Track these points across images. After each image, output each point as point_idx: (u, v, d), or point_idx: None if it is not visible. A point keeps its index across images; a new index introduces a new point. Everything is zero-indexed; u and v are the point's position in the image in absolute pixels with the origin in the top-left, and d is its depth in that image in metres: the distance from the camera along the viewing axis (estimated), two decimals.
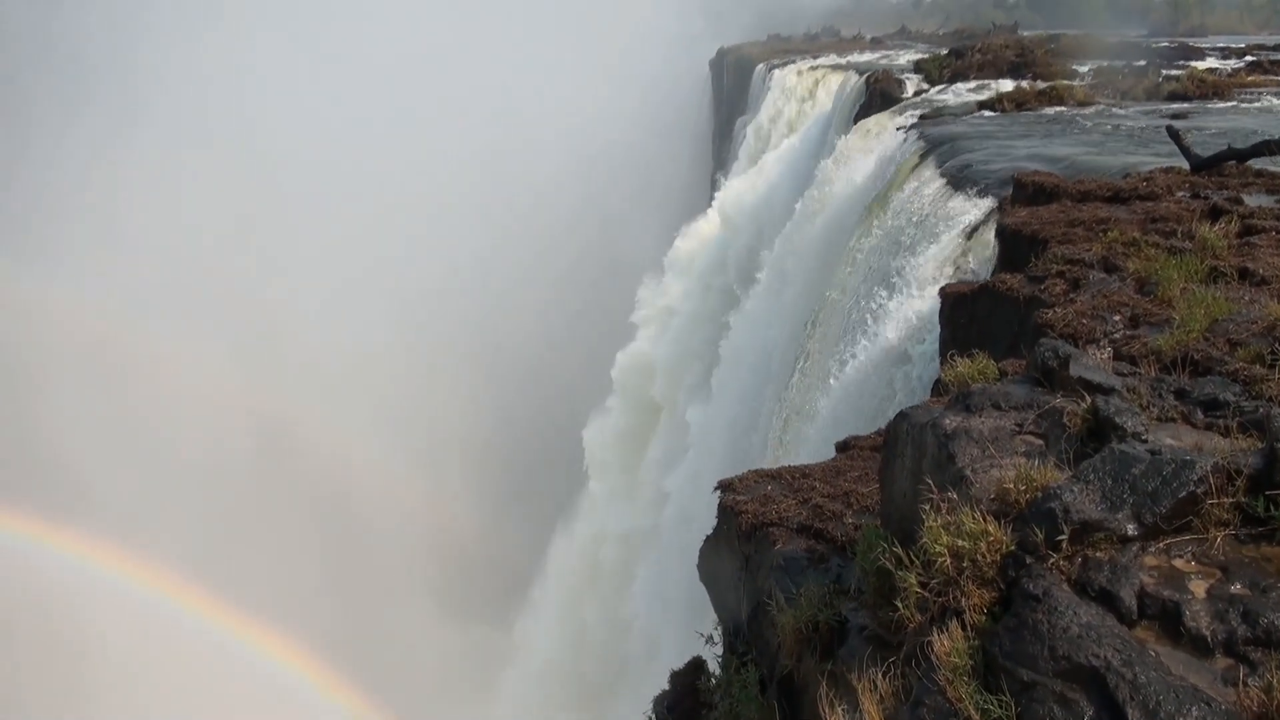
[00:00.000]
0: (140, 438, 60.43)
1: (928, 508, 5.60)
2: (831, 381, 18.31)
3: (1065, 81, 34.69)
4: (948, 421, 6.27)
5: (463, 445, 64.08)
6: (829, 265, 25.29)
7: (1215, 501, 5.21)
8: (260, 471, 59.78)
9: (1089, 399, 6.15)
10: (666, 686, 11.07)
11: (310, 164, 68.20)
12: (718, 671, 9.48)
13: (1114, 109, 28.55)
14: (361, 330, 65.48)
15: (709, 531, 10.08)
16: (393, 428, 63.49)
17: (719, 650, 9.60)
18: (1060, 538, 5.12)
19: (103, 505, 55.89)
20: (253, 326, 64.78)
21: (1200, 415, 6.41)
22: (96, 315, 64.23)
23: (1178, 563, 5.08)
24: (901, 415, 6.84)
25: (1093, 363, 6.86)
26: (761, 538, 8.56)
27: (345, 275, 67.16)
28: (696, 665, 10.63)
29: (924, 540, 5.44)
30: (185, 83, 72.30)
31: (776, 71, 53.92)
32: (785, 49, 70.77)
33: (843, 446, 10.69)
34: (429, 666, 53.33)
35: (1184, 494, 5.20)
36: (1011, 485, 5.52)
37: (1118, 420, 5.86)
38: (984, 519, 5.34)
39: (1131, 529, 5.15)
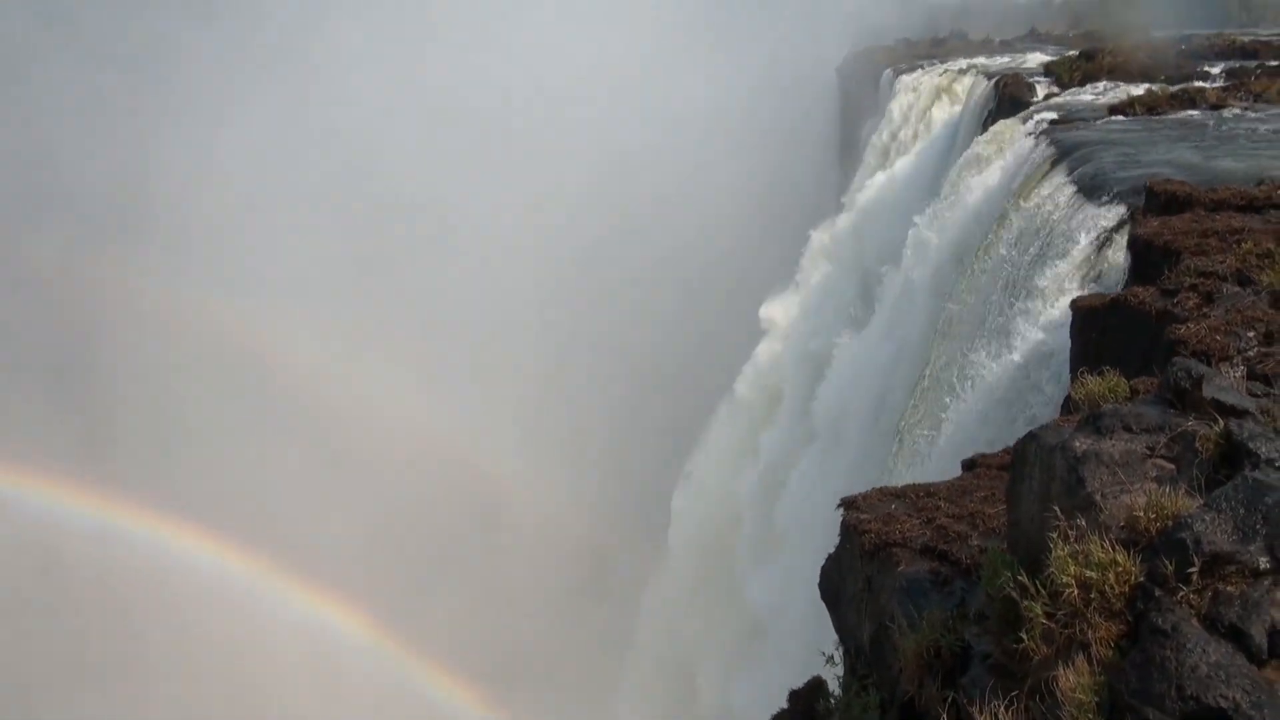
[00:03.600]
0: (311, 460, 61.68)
1: (1055, 535, 5.52)
2: (958, 395, 18.12)
3: (1197, 84, 34.07)
4: (1078, 444, 6.17)
5: (599, 453, 64.36)
6: (958, 274, 25.06)
7: None
8: (421, 483, 60.75)
9: (1222, 422, 6.02)
10: (785, 705, 11.01)
11: (443, 184, 68.94)
12: (837, 691, 9.43)
13: (1248, 112, 27.94)
14: (508, 342, 66.14)
15: (831, 548, 10.04)
16: (536, 437, 64.00)
17: (839, 670, 9.54)
18: (1190, 570, 5.03)
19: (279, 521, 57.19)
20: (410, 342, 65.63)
21: None
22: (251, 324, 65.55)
23: None
24: (1030, 436, 6.75)
25: (1226, 383, 6.72)
26: (884, 558, 8.50)
27: (490, 289, 67.78)
28: (815, 686, 10.56)
29: (1051, 569, 5.37)
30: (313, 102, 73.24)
31: (904, 76, 53.52)
32: (913, 53, 70.12)
33: (969, 464, 10.58)
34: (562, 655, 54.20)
35: None
36: (1142, 513, 5.43)
37: (1251, 446, 5.73)
38: (1113, 548, 5.26)
39: (1264, 562, 5.03)
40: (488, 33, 77.31)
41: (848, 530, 9.25)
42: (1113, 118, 28.28)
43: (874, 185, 44.55)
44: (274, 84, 72.53)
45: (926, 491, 9.61)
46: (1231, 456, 5.81)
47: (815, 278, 47.12)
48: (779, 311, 48.89)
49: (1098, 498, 5.70)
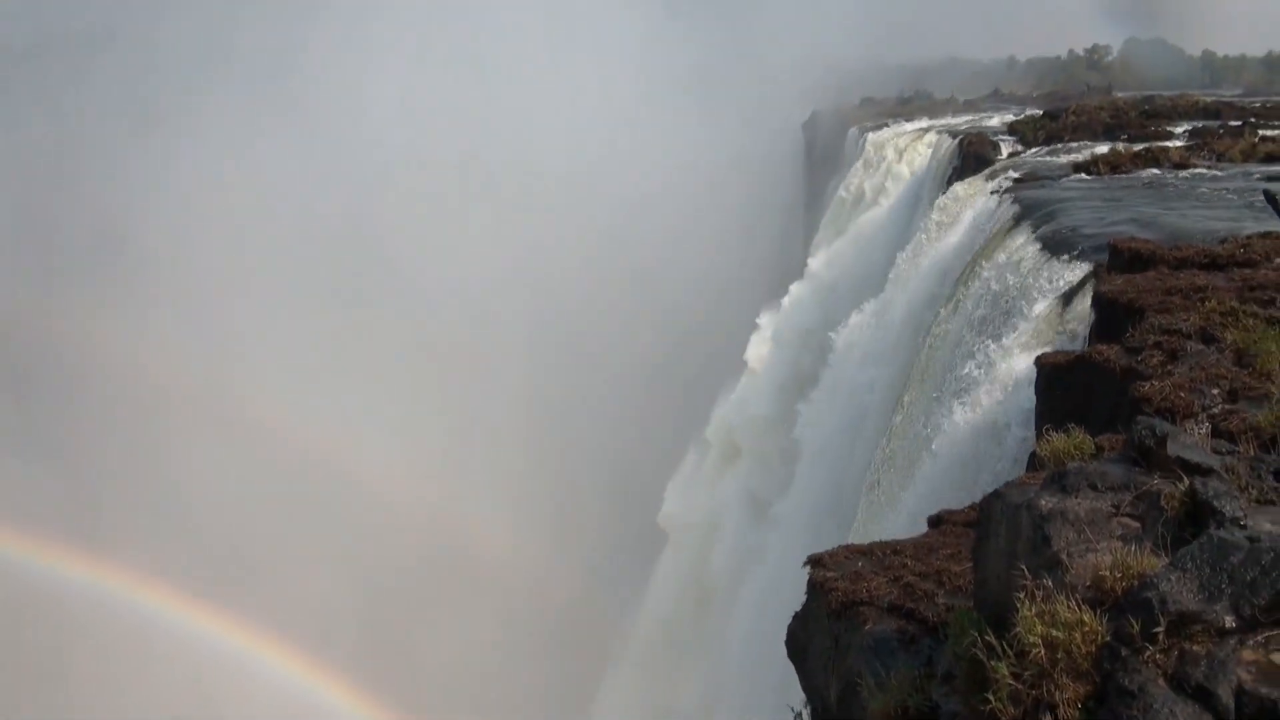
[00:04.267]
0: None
1: (1021, 594, 5.51)
2: (924, 451, 18.15)
3: (1160, 143, 34.37)
4: (1043, 502, 6.16)
5: (567, 507, 64.33)
6: (922, 331, 25.15)
7: None
8: (402, 541, 60.64)
9: (1187, 480, 6.02)
10: None
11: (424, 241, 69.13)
12: None
13: (1210, 171, 28.21)
14: (490, 399, 66.18)
15: (798, 607, 10.01)
16: (515, 495, 63.93)
17: None
18: (1157, 629, 5.01)
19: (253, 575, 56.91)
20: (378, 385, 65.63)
21: None
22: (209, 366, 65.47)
23: (1276, 657, 4.95)
24: (995, 494, 6.74)
25: (1190, 441, 6.73)
26: (851, 616, 8.47)
27: (471, 346, 67.83)
28: None
29: (1018, 629, 5.35)
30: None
31: (870, 134, 53.91)
32: (878, 111, 70.77)
33: (935, 521, 10.56)
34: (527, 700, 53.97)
35: None
36: (1108, 572, 5.42)
37: (1216, 504, 5.74)
38: (1079, 608, 5.24)
39: (1230, 621, 5.02)
40: (471, 85, 77.72)
41: (814, 588, 9.21)
42: (1076, 176, 28.50)
43: (839, 244, 44.80)
44: (256, 129, 72.76)
45: (893, 549, 9.59)
46: (1196, 515, 5.81)
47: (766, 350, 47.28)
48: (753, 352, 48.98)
49: (1064, 556, 5.69)
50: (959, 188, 31.14)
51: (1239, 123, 39.94)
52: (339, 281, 69.14)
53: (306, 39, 78.68)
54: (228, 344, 66.46)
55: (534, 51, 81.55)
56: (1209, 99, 55.31)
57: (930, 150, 42.90)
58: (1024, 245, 20.33)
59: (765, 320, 48.68)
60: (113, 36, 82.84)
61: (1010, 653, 5.37)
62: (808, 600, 9.43)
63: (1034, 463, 9.97)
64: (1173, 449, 6.41)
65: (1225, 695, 4.76)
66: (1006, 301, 18.65)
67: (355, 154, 73.35)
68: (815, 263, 46.66)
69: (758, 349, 48.35)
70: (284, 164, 71.70)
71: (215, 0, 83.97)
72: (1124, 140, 36.86)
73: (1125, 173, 28.53)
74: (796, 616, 9.75)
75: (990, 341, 17.92)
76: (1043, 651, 5.19)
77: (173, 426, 64.81)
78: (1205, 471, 6.24)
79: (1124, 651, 5.04)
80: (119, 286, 68.99)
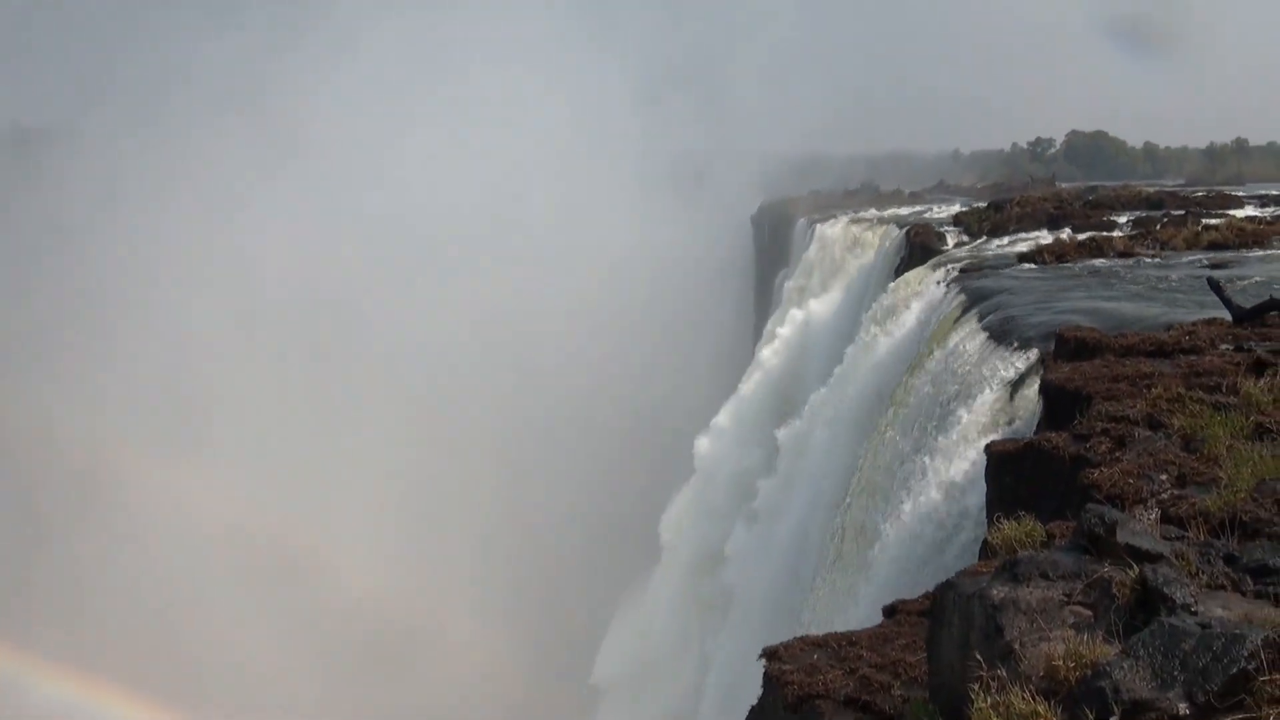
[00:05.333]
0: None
1: (976, 686, 5.50)
2: (877, 542, 18.15)
3: (1105, 233, 34.82)
4: (995, 592, 6.17)
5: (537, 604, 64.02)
6: (872, 419, 25.23)
7: (1268, 678, 5.09)
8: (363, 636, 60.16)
9: (1137, 568, 6.05)
10: None
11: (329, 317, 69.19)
12: None
13: (1154, 260, 28.56)
14: (449, 491, 65.91)
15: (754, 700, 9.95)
16: (471, 589, 63.60)
17: None
18: (1111, 718, 5.01)
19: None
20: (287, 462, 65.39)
21: (1250, 582, 6.30)
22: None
23: None
24: (948, 584, 6.75)
25: (1140, 528, 6.77)
26: (808, 710, 8.43)
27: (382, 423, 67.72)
28: None
29: None
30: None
31: (818, 226, 54.37)
32: (825, 203, 71.46)
33: (890, 611, 10.55)
34: None
35: (1235, 670, 5.08)
36: (1061, 662, 5.42)
37: (1166, 591, 5.76)
38: (1033, 698, 5.24)
39: (1183, 708, 5.02)
40: (429, 163, 78.00)
41: (770, 681, 9.17)
42: (1022, 266, 28.77)
43: (786, 333, 45.01)
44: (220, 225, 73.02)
45: (849, 640, 9.56)
46: (1147, 602, 5.83)
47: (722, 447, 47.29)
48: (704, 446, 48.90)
49: (1016, 646, 5.69)
50: (906, 278, 31.40)
51: (1182, 212, 40.53)
52: (304, 357, 69.04)
53: (279, 106, 79.01)
54: (178, 428, 66.22)
55: (504, 130, 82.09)
56: (1151, 189, 56.20)
57: (878, 241, 43.29)
58: (971, 334, 20.46)
59: (719, 416, 48.71)
60: (83, 114, 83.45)
61: None
62: (764, 694, 9.38)
63: (986, 551, 9.99)
64: (1122, 536, 6.44)
65: None
66: (955, 390, 18.74)
67: (331, 228, 73.52)
68: (765, 353, 46.84)
69: (707, 445, 48.35)
70: (258, 233, 71.94)
71: (190, 64, 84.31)
72: (1068, 230, 37.30)
73: (1070, 262, 28.82)
74: (753, 711, 9.70)
75: (939, 430, 17.99)
76: None
77: (122, 505, 64.28)
78: (1155, 558, 6.27)
79: None
80: (78, 359, 68.87)
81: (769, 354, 46.14)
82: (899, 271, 34.66)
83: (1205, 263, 26.86)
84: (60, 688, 54.59)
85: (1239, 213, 41.51)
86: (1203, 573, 6.37)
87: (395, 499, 65.68)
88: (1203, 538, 7.33)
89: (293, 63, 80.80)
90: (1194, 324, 15.90)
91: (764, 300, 64.52)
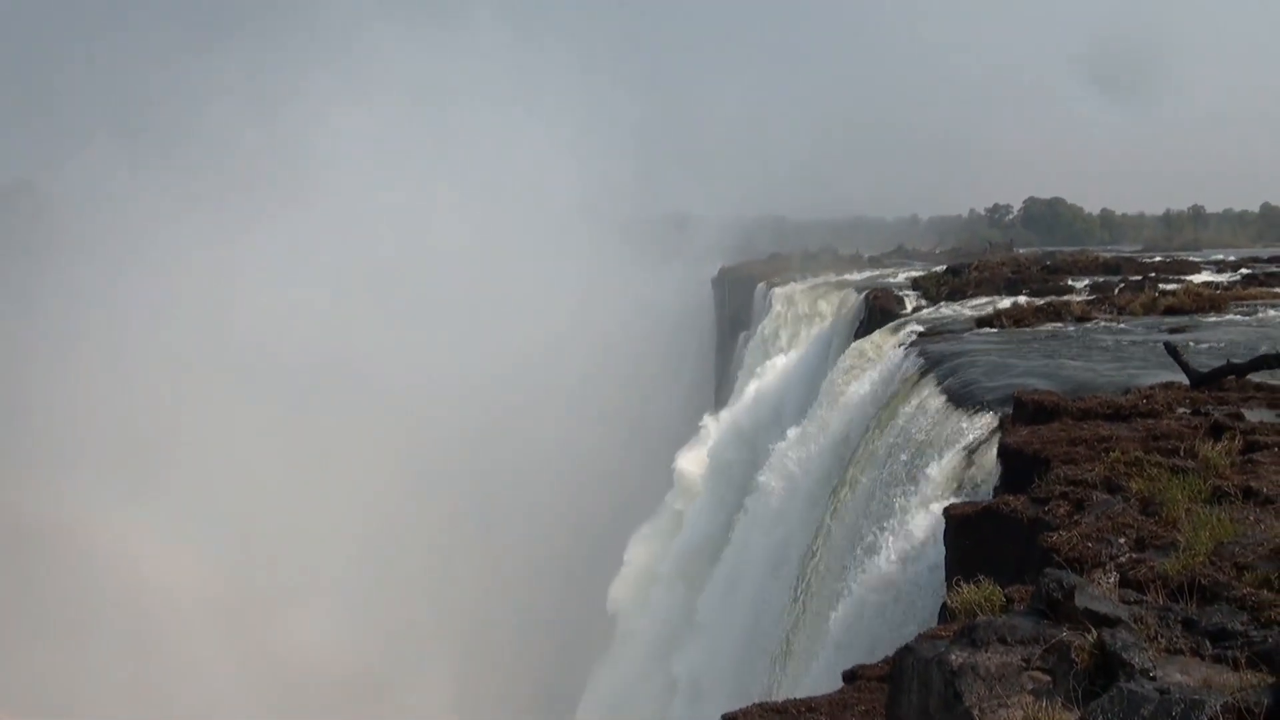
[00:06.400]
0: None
1: None
2: (835, 606, 18.07)
3: (1062, 298, 35.01)
4: (953, 657, 6.13)
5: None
6: (830, 484, 25.21)
7: None
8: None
9: (1095, 632, 6.01)
10: None
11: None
12: None
13: (1112, 324, 28.71)
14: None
15: None
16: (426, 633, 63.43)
17: None
18: None
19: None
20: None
21: (1209, 646, 6.27)
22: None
23: None
24: (907, 649, 6.71)
25: (1098, 592, 6.75)
26: None
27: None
28: None
29: None
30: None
31: (777, 289, 54.60)
32: (785, 267, 71.86)
33: (850, 676, 10.48)
34: None
35: None
36: None
37: (1125, 656, 5.72)
38: None
39: None
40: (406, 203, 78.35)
41: None
42: (980, 330, 28.87)
43: (746, 397, 45.06)
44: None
45: (808, 706, 9.48)
46: (1106, 667, 5.78)
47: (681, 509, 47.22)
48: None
49: (975, 713, 5.64)
50: (864, 342, 31.49)
51: (1139, 277, 40.85)
52: (272, 398, 68.70)
53: (256, 145, 79.31)
54: (138, 468, 65.92)
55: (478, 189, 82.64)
56: (1109, 255, 56.67)
57: (837, 305, 43.48)
58: (929, 398, 20.50)
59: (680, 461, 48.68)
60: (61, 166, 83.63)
61: None
62: None
63: (945, 614, 9.95)
64: (1080, 600, 6.41)
65: None
66: (913, 454, 18.74)
67: (306, 267, 73.54)
68: (726, 415, 46.86)
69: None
70: (231, 274, 72.03)
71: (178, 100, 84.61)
72: (1026, 295, 37.51)
73: (1028, 326, 28.94)
74: None
75: (898, 493, 17.97)
76: None
77: (85, 549, 63.90)
78: (1113, 622, 6.24)
79: None
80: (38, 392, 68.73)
81: (729, 416, 46.16)
82: (858, 335, 34.77)
83: (1162, 328, 27.03)
84: None
85: (1196, 278, 41.82)
86: (1161, 637, 6.33)
87: (361, 537, 65.36)
88: (1161, 601, 7.30)
89: (261, 102, 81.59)
90: (1151, 388, 15.98)
91: (725, 361, 64.71)
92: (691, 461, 47.80)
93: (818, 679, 16.28)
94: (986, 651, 6.17)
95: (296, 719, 58.33)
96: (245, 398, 68.51)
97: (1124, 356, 22.55)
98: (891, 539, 16.72)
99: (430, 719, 59.98)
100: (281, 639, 61.12)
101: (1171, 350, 16.85)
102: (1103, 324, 28.85)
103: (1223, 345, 21.92)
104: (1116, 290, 36.24)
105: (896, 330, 30.78)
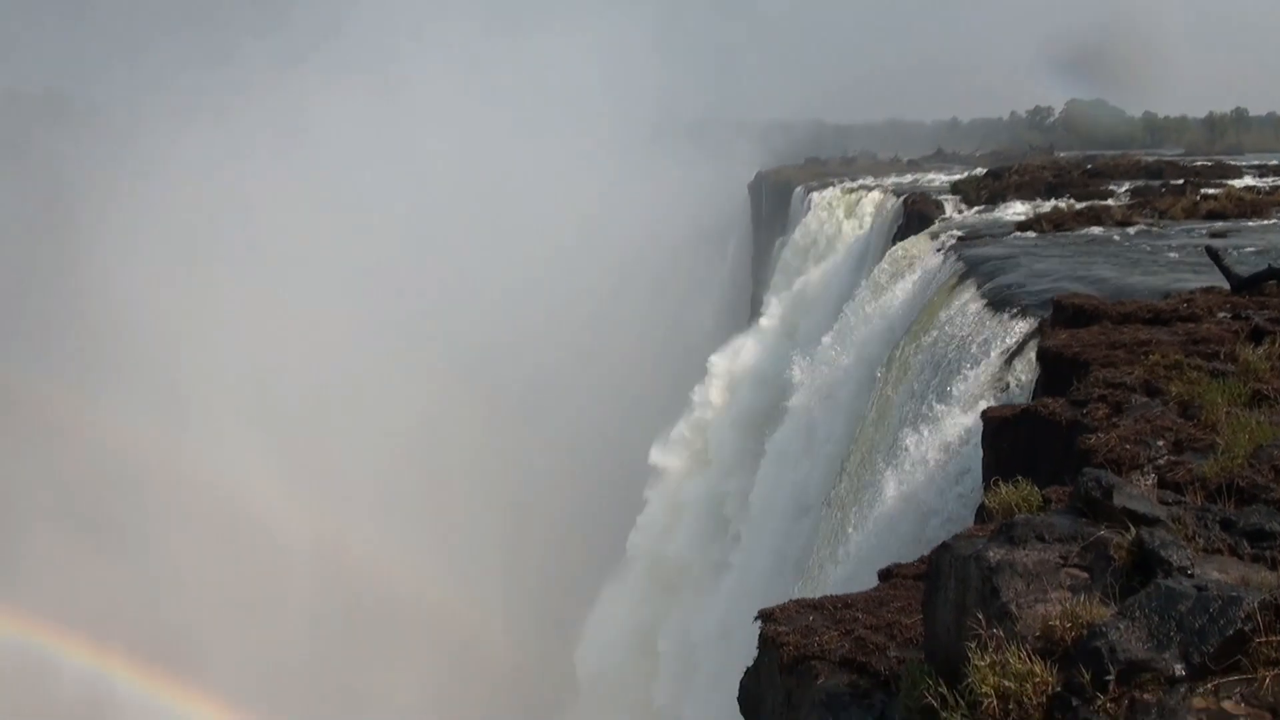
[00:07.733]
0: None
1: (973, 645, 5.51)
2: (874, 505, 18.17)
3: (1103, 202, 34.73)
4: (991, 554, 6.17)
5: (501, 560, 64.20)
6: (869, 387, 25.24)
7: (1263, 640, 5.10)
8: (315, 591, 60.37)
9: (1134, 531, 6.05)
10: None
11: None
12: None
13: (1152, 229, 28.51)
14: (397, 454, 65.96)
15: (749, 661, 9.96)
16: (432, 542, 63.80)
17: None
18: (1107, 678, 5.02)
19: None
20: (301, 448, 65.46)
21: (1247, 546, 6.30)
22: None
23: (1226, 704, 4.96)
24: (944, 546, 6.74)
25: (1137, 492, 6.77)
26: (804, 671, 8.42)
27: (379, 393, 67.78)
28: None
29: (969, 680, 5.35)
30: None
31: (815, 194, 54.26)
32: (823, 172, 71.37)
33: (885, 574, 10.55)
34: None
35: (1231, 632, 5.09)
36: (1057, 622, 5.42)
37: (1163, 554, 5.76)
38: (1030, 658, 5.25)
39: (1179, 669, 5.04)
40: (429, 142, 78.16)
41: (765, 642, 9.16)
42: (1020, 234, 28.70)
43: (783, 301, 44.93)
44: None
45: (845, 602, 9.56)
46: (1144, 564, 5.83)
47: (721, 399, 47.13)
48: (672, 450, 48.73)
49: (1013, 607, 5.69)
50: (904, 246, 31.34)
51: (1180, 181, 40.45)
52: (308, 357, 68.90)
53: (253, 140, 79.05)
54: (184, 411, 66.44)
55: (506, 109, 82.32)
56: (1150, 158, 56.08)
57: (875, 209, 43.20)
58: (969, 302, 20.45)
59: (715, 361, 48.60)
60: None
61: (963, 704, 5.37)
62: (759, 655, 9.39)
63: (982, 515, 9.99)
64: (1119, 500, 6.44)
65: None
66: (952, 357, 18.74)
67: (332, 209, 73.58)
68: (765, 321, 46.77)
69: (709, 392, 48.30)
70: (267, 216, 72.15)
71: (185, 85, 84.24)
72: (1067, 199, 37.20)
73: (1068, 230, 28.76)
74: (748, 672, 9.71)
75: (937, 396, 17.99)
76: (995, 702, 5.18)
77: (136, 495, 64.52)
78: (1151, 522, 6.27)
79: (1075, 701, 5.04)
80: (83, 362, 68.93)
81: (768, 320, 46.11)
82: (897, 239, 34.58)
83: (1204, 232, 26.83)
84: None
85: (1238, 183, 41.43)
86: (1199, 537, 6.37)
87: (397, 487, 65.71)
88: (1199, 502, 7.34)
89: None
90: (1192, 292, 15.90)
91: (762, 267, 64.46)
92: (727, 358, 47.73)
93: (851, 579, 16.41)
94: (1024, 549, 6.21)
95: (320, 640, 59.21)
96: (271, 292, 68.77)
97: (1164, 261, 22.44)
98: (930, 442, 16.78)
99: (453, 643, 60.52)
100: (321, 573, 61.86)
101: (1213, 254, 16.75)
102: (1143, 228, 28.66)
103: (1264, 250, 21.78)
104: (1158, 195, 35.91)
105: (935, 235, 30.61)
